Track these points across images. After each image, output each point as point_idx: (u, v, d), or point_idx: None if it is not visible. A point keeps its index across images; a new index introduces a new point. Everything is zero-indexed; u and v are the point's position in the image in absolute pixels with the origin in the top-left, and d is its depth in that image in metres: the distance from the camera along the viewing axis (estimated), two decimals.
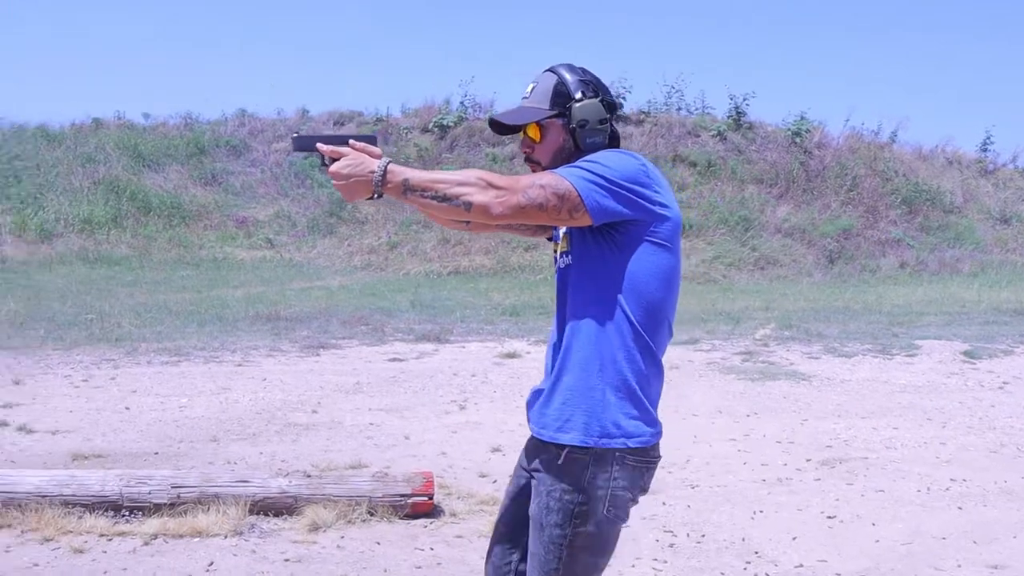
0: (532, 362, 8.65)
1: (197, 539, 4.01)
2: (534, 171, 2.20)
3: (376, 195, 2.03)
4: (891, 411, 6.88)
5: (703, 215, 18.74)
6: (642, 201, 2.05)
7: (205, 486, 4.32)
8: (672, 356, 9.15)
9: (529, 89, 2.24)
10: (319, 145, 2.09)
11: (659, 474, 5.02)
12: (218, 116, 22.66)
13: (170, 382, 7.47)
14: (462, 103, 21.88)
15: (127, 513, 4.21)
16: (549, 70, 2.22)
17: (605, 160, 2.05)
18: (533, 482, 2.20)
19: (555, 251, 2.31)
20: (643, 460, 2.14)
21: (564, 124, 2.19)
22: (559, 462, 2.10)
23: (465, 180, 1.98)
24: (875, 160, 21.04)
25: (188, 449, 5.56)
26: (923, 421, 6.58)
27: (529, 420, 2.25)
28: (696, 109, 22.04)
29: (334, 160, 2.08)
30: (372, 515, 4.33)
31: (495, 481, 4.98)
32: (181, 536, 4.06)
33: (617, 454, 2.09)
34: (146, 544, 3.98)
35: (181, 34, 48.93)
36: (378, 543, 4.08)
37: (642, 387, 2.11)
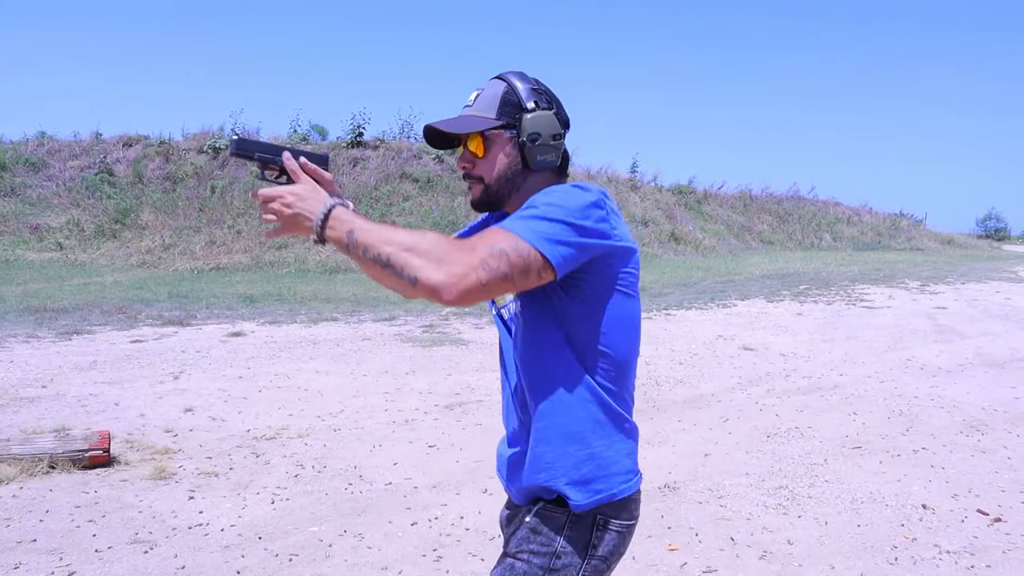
0: (253, 339, 9.71)
1: None
2: (473, 190, 1.91)
3: (317, 240, 1.73)
4: None
5: (420, 220, 21.86)
6: (605, 241, 1.73)
7: None
8: (369, 330, 10.51)
9: (473, 97, 1.90)
10: (286, 159, 1.84)
11: (311, 422, 6.20)
12: (20, 137, 26.30)
13: None
14: (232, 129, 25.69)
15: None
16: (497, 77, 1.90)
17: (560, 200, 1.69)
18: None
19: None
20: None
21: (512, 137, 1.86)
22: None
23: (415, 245, 1.62)
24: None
25: None
26: None
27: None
28: (420, 138, 25.73)
29: (285, 177, 1.84)
30: (53, 468, 5.25)
31: (176, 435, 5.98)
32: None
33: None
34: None
35: None
36: (51, 491, 5.00)
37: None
